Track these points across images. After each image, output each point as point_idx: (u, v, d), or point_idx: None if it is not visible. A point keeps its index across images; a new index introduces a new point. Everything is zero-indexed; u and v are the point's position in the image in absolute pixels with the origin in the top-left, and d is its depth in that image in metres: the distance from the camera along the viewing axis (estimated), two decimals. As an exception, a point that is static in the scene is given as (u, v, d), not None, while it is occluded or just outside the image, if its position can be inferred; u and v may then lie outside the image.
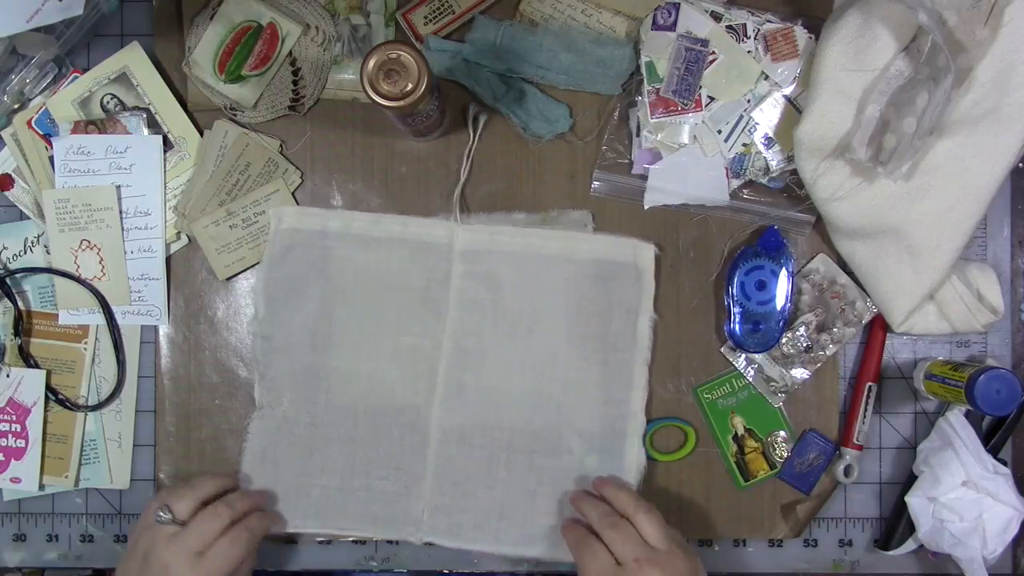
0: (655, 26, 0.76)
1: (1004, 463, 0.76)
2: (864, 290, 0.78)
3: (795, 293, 0.78)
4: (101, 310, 0.79)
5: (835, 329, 0.78)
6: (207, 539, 0.68)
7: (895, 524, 0.79)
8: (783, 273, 0.76)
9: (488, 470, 0.77)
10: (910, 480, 0.78)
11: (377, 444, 0.78)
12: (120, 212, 0.79)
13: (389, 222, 0.78)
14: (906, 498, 0.76)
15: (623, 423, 0.77)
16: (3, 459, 0.80)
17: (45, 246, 0.80)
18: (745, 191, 0.78)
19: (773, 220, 0.78)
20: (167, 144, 0.79)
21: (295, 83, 0.78)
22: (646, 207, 0.78)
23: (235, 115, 0.79)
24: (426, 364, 0.77)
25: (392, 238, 0.78)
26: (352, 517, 0.78)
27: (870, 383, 0.79)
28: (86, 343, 0.80)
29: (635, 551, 0.66)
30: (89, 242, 0.79)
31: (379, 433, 0.78)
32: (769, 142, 0.76)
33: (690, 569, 0.66)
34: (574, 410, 0.77)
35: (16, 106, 0.79)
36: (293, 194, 0.79)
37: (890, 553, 0.79)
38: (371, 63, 0.65)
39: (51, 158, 0.78)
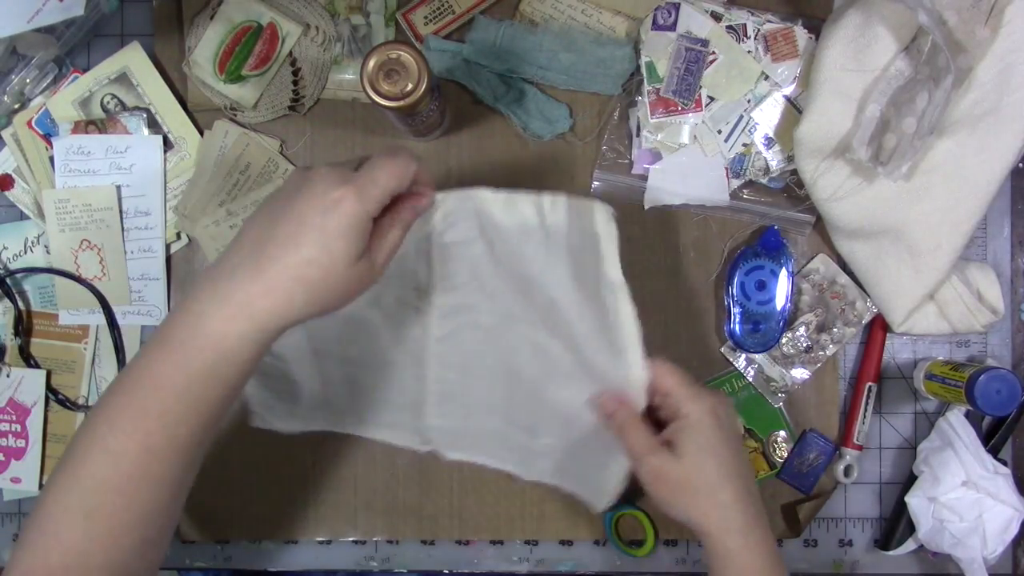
0: (655, 26, 0.76)
1: (1004, 463, 0.76)
2: (864, 290, 0.78)
3: (795, 293, 0.78)
4: (101, 310, 0.79)
5: (835, 329, 0.78)
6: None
7: (895, 524, 0.79)
8: (783, 273, 0.76)
9: (488, 399, 0.75)
10: (910, 480, 0.78)
11: (384, 363, 0.75)
12: (120, 212, 0.79)
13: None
14: (906, 498, 0.76)
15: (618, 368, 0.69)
16: (3, 459, 0.80)
17: (45, 246, 0.80)
18: (745, 191, 0.78)
19: (773, 220, 0.78)
20: (167, 144, 0.79)
21: (295, 83, 0.78)
22: (646, 207, 0.78)
23: (235, 115, 0.79)
24: (414, 312, 0.73)
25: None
26: (362, 422, 0.77)
27: (870, 383, 0.79)
28: (86, 343, 0.80)
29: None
30: (89, 242, 0.79)
31: (382, 360, 0.75)
32: (769, 142, 0.76)
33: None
34: (569, 354, 0.70)
35: (16, 106, 0.79)
36: (293, 194, 0.79)
37: (890, 553, 0.79)
38: (371, 63, 0.65)
39: (51, 158, 0.79)
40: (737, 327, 0.77)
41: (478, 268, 0.71)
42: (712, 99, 0.76)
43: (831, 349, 0.79)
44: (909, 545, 0.78)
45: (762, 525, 0.62)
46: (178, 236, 0.80)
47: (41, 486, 0.80)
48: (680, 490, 0.61)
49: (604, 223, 0.64)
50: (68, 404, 0.80)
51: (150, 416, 0.53)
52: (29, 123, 0.79)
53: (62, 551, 0.53)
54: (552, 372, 0.72)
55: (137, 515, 0.54)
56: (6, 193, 0.81)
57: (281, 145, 0.80)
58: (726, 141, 0.76)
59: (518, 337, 0.73)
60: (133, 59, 0.79)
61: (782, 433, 0.79)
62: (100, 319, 0.80)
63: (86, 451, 0.54)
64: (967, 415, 0.77)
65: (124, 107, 0.79)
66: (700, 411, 0.61)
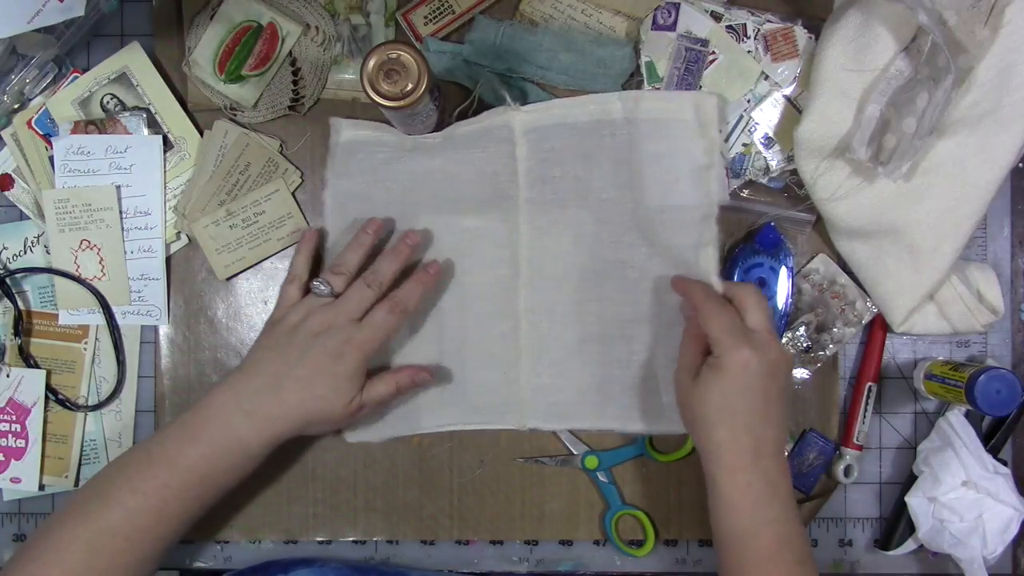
0: (655, 26, 0.76)
1: (1004, 463, 0.76)
2: (864, 290, 0.78)
3: (795, 293, 0.78)
4: (101, 310, 0.79)
5: (835, 329, 0.78)
6: (364, 307, 0.71)
7: (895, 524, 0.79)
8: (783, 270, 0.76)
9: (580, 346, 0.77)
10: (910, 480, 0.78)
11: (466, 335, 0.77)
12: (120, 212, 0.79)
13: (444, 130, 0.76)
14: (906, 498, 0.76)
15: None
16: (3, 459, 0.80)
17: (45, 246, 0.80)
18: (745, 191, 0.78)
19: (773, 220, 0.78)
20: (167, 144, 0.79)
21: (295, 83, 0.78)
22: (646, 207, 0.78)
23: (235, 115, 0.79)
24: (506, 250, 0.76)
25: (451, 136, 0.75)
26: (456, 411, 0.78)
27: (870, 383, 0.79)
28: (86, 343, 0.80)
29: (766, 323, 0.67)
30: (89, 242, 0.79)
31: (467, 324, 0.77)
32: (769, 142, 0.76)
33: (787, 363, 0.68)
34: (655, 276, 0.75)
35: (16, 106, 0.79)
36: (293, 194, 0.79)
37: (890, 553, 0.79)
38: (371, 63, 0.65)
39: (51, 158, 0.79)
40: (737, 327, 0.77)
41: (556, 189, 0.76)
42: (712, 99, 0.76)
43: (831, 349, 0.79)
44: (909, 545, 0.78)
45: (760, 475, 0.64)
46: (178, 236, 0.80)
47: (41, 486, 0.80)
48: (684, 410, 0.69)
49: (712, 110, 0.74)
50: (68, 404, 0.80)
51: (170, 488, 0.67)
52: (29, 123, 0.79)
53: (62, 571, 0.64)
54: (640, 286, 0.75)
55: (133, 560, 0.67)
56: (6, 193, 0.81)
57: (281, 145, 0.80)
58: (726, 141, 0.76)
59: (600, 261, 0.76)
60: (133, 59, 0.79)
61: (782, 433, 0.79)
62: (100, 319, 0.80)
63: (104, 500, 0.66)
64: (967, 415, 0.77)
65: (124, 107, 0.79)
66: (729, 360, 0.65)
